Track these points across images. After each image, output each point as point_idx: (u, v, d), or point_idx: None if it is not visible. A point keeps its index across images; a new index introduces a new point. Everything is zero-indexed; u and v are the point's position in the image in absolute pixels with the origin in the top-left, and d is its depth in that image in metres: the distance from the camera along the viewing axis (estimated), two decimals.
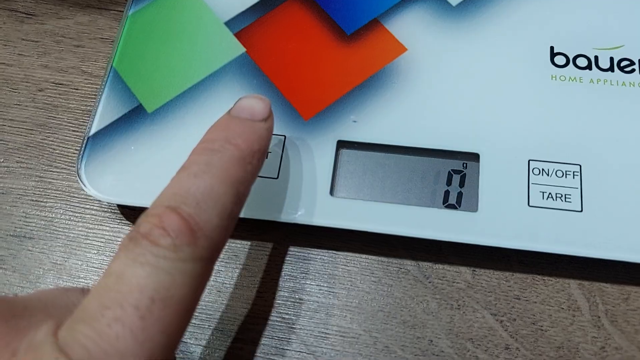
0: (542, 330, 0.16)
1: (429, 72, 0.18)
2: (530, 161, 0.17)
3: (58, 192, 0.19)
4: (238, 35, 0.19)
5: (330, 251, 0.17)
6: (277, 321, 0.17)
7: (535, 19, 0.19)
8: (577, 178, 0.16)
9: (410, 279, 0.17)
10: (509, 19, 0.19)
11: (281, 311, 0.17)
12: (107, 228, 0.18)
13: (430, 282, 0.17)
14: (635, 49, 0.18)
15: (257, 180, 0.15)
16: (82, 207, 0.18)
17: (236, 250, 0.17)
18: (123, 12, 0.21)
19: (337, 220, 0.16)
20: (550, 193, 0.16)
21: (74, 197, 0.18)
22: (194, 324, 0.17)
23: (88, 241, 0.18)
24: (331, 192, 0.17)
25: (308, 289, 0.17)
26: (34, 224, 0.18)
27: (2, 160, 0.19)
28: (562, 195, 0.16)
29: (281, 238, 0.17)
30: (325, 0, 0.19)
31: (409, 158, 0.17)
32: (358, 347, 0.16)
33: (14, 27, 0.21)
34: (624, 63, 0.18)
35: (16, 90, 0.20)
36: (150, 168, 0.17)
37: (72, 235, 0.18)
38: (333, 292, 0.17)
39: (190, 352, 0.16)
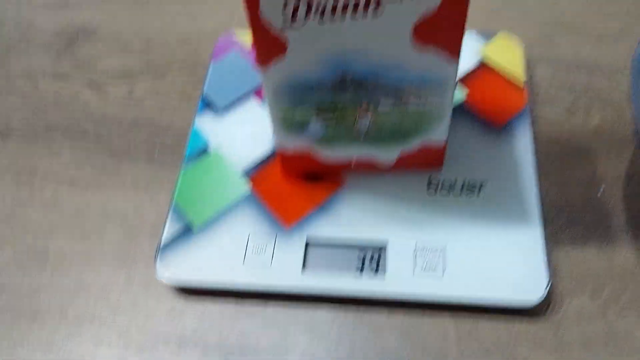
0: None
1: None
2: (416, 246, 0.29)
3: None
4: (249, 178, 0.32)
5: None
6: None
7: None
8: (441, 257, 0.28)
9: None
10: None
11: None
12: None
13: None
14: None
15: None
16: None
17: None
18: (180, 168, 0.34)
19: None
20: (428, 265, 0.28)
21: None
22: None
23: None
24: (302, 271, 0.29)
25: None
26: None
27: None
28: (434, 267, 0.28)
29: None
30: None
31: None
32: None
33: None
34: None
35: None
36: (200, 264, 0.29)
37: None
38: None
39: None
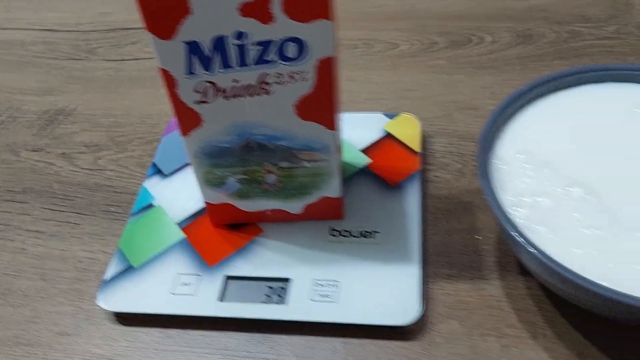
0: None
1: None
2: (315, 280, 0.35)
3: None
4: (183, 228, 0.38)
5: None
6: None
7: None
8: (335, 288, 0.34)
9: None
10: None
11: None
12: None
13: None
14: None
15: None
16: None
17: None
18: (127, 220, 0.41)
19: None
20: (323, 294, 0.34)
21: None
22: None
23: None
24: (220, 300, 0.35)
25: None
26: None
27: None
28: (329, 295, 0.34)
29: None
30: None
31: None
32: None
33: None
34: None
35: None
36: (135, 296, 0.35)
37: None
38: None
39: None
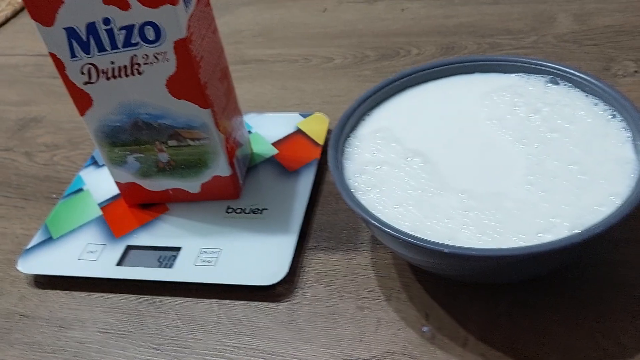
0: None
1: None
2: (201, 248, 0.39)
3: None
4: (102, 208, 0.43)
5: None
6: None
7: None
8: (217, 254, 0.38)
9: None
10: None
11: None
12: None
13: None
14: None
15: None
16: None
17: None
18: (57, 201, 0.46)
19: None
20: (205, 259, 0.38)
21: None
22: None
23: None
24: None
25: None
26: None
27: None
28: (210, 260, 0.38)
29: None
30: None
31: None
32: None
33: None
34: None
35: None
36: (48, 261, 0.40)
37: None
38: None
39: None
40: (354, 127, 0.38)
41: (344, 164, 0.35)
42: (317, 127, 0.48)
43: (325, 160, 0.46)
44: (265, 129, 0.48)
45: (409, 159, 0.35)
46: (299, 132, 0.47)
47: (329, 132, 0.48)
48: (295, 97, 0.54)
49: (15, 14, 0.80)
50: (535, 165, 0.33)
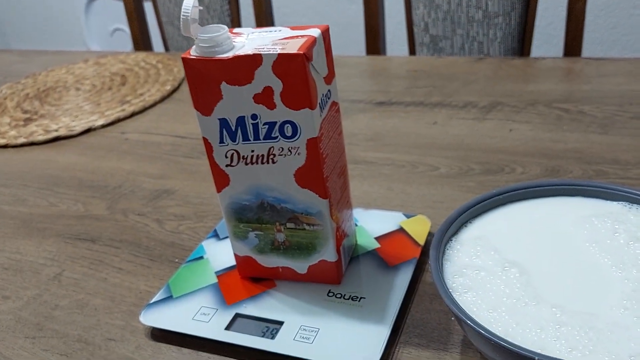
0: None
1: None
2: (302, 325, 0.42)
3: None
4: (218, 276, 0.48)
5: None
6: None
7: None
8: (315, 333, 0.42)
9: None
10: None
11: None
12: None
13: None
14: None
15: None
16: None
17: None
18: (180, 265, 0.52)
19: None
20: (304, 336, 0.41)
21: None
22: None
23: None
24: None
25: None
26: None
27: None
28: (309, 337, 0.41)
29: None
30: None
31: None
32: None
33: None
34: None
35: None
36: (167, 316, 0.45)
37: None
38: None
39: None
40: (456, 232, 0.41)
41: (443, 265, 0.38)
42: (419, 228, 0.51)
43: (424, 261, 0.49)
44: (370, 223, 0.52)
45: (506, 268, 0.37)
46: (401, 230, 0.51)
47: (430, 234, 0.51)
48: (400, 198, 0.58)
49: (162, 99, 0.92)
50: (632, 291, 0.34)
